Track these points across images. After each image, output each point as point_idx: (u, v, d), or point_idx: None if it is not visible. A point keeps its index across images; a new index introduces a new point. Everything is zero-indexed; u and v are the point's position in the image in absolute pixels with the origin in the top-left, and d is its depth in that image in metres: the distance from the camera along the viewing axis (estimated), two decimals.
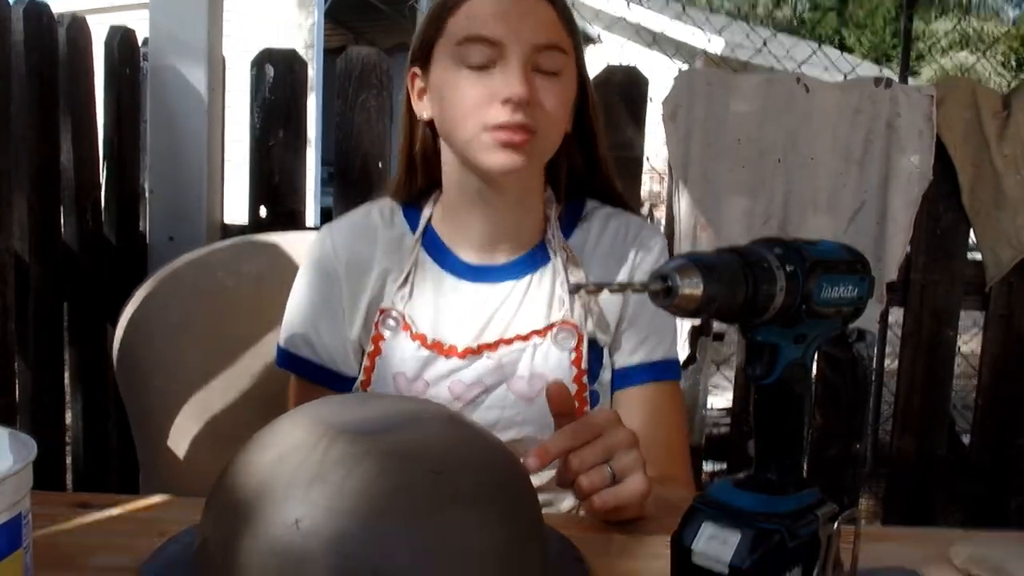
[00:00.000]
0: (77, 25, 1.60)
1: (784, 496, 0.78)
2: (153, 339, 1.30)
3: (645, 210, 1.90)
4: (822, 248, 0.77)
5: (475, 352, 1.08)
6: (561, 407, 0.88)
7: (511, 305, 1.10)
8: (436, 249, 1.13)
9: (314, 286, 1.14)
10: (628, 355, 1.12)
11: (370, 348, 1.11)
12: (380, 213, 1.16)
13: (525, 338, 1.09)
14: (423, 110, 1.08)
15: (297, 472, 0.73)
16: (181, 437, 1.29)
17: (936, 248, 1.89)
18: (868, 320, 1.88)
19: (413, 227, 1.14)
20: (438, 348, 1.09)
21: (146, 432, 1.34)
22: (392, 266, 1.12)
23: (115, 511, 0.99)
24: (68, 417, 1.65)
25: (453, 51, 1.01)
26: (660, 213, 1.97)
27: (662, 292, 0.67)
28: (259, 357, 1.29)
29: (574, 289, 0.79)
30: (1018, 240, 1.84)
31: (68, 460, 1.68)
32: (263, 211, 1.91)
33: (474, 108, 1.00)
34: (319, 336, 1.12)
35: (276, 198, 1.89)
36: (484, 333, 1.09)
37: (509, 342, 1.09)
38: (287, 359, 1.13)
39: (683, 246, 1.88)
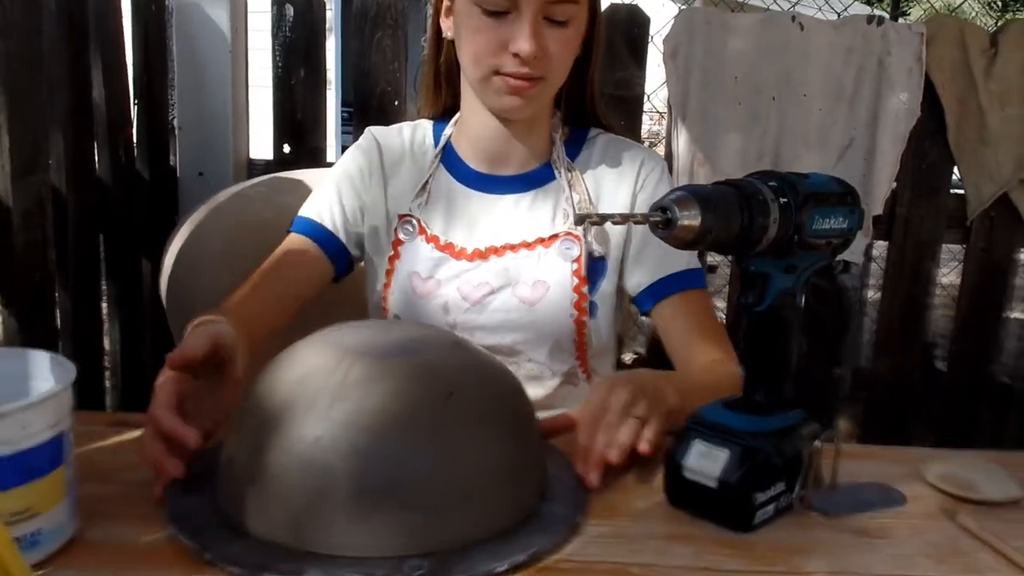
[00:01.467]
0: None
1: (770, 416, 0.80)
2: (199, 267, 1.32)
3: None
4: (814, 181, 0.77)
5: (483, 255, 1.11)
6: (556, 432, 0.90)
7: (518, 215, 1.12)
8: (452, 161, 1.16)
9: (346, 175, 1.17)
10: (653, 270, 1.11)
11: (390, 252, 1.14)
12: (413, 129, 1.20)
13: (530, 246, 1.10)
14: (447, 29, 1.08)
15: (319, 393, 0.74)
16: None
17: (921, 183, 1.87)
18: (854, 253, 1.88)
19: (437, 142, 1.18)
20: (449, 250, 1.11)
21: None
22: (414, 168, 1.16)
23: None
24: (106, 343, 1.66)
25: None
26: (660, 149, 1.95)
27: (662, 223, 0.69)
28: None
29: (579, 220, 0.79)
30: (999, 175, 1.83)
31: (107, 382, 1.69)
32: (286, 148, 1.90)
33: (487, 53, 1.01)
34: (335, 209, 1.15)
35: (299, 135, 1.88)
36: (491, 238, 1.11)
37: (515, 248, 1.10)
38: (299, 222, 1.15)
39: (681, 181, 1.86)
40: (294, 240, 1.13)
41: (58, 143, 1.43)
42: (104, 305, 1.64)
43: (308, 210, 1.16)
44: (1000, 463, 0.92)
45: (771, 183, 0.74)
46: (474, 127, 1.13)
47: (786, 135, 1.85)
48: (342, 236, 1.15)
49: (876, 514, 0.84)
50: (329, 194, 1.16)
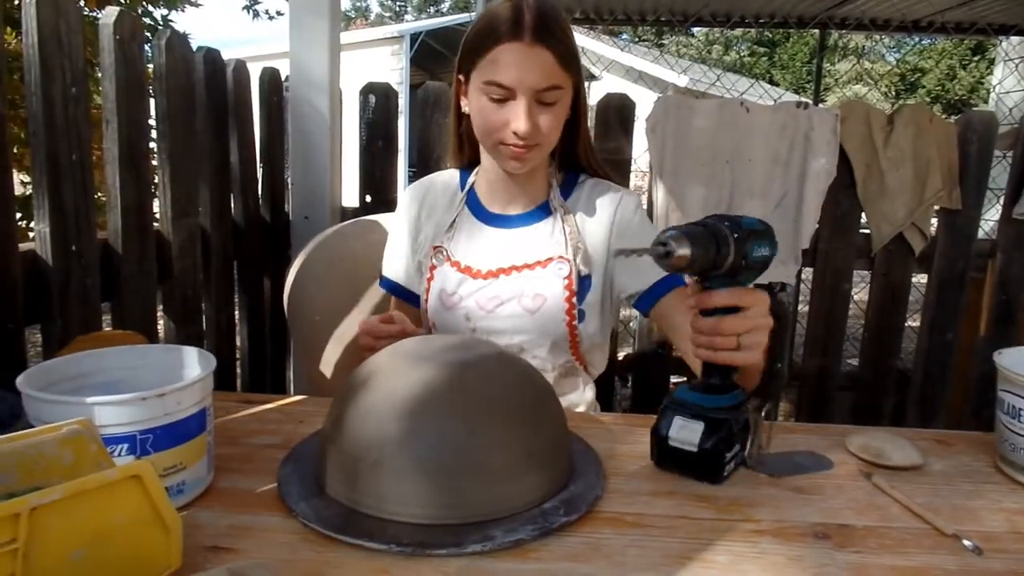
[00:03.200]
0: (239, 67, 1.57)
1: (725, 395, 0.80)
2: (309, 288, 1.31)
3: None
4: (749, 221, 0.77)
5: (494, 275, 1.09)
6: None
7: (521, 244, 1.10)
8: (474, 203, 1.14)
9: (400, 229, 1.18)
10: (642, 278, 1.05)
11: (428, 275, 1.13)
12: (448, 177, 1.19)
13: (531, 267, 1.08)
14: (465, 105, 1.06)
15: (385, 387, 0.71)
16: (326, 357, 1.30)
17: (837, 225, 1.83)
18: (788, 277, 1.84)
19: (463, 188, 1.16)
20: (468, 271, 1.10)
21: (304, 352, 1.36)
22: (446, 214, 1.15)
23: (269, 406, 0.99)
24: (238, 340, 1.66)
25: (480, 85, 0.99)
26: (643, 199, 1.92)
27: (663, 254, 0.69)
28: (376, 297, 1.31)
29: (616, 254, 0.74)
30: (895, 219, 1.78)
31: (237, 370, 1.69)
32: (368, 198, 1.89)
33: (493, 130, 1.00)
34: (403, 264, 1.17)
35: (377, 189, 1.87)
36: (501, 261, 1.09)
37: (519, 269, 1.08)
38: (385, 282, 1.19)
39: (659, 224, 1.84)
40: (388, 300, 1.20)
41: (205, 195, 1.43)
42: (236, 312, 1.63)
43: (388, 270, 1.19)
44: (904, 437, 0.88)
45: (726, 223, 0.73)
46: (489, 176, 1.12)
47: (737, 189, 1.82)
48: (412, 287, 1.18)
49: (810, 476, 0.81)
50: (398, 252, 1.18)
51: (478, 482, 0.68)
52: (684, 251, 0.69)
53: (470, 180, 1.15)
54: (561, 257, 1.07)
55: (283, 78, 1.82)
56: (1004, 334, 1.86)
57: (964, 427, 1.90)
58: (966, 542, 0.67)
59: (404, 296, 1.17)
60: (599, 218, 1.10)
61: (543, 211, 1.11)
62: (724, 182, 1.81)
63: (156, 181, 1.29)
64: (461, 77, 1.05)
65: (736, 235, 0.73)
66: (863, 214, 1.81)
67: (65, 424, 0.61)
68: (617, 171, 1.82)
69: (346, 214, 1.91)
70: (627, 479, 0.79)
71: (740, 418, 0.78)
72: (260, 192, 1.73)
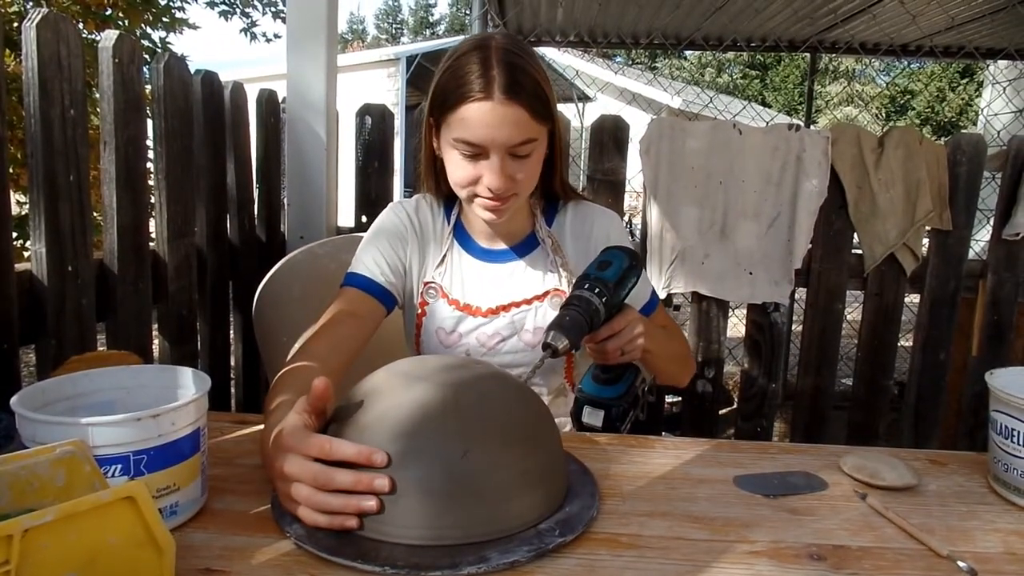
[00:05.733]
0: (236, 88, 1.58)
1: (617, 384, 0.98)
2: (279, 307, 1.30)
3: (626, 219, 1.85)
4: (615, 268, 0.93)
5: (494, 312, 1.08)
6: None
7: (516, 279, 1.09)
8: (462, 238, 1.12)
9: (384, 237, 1.09)
10: (635, 305, 1.07)
11: (418, 311, 1.10)
12: (431, 204, 1.14)
13: (529, 302, 1.08)
14: (437, 149, 1.02)
15: (381, 406, 0.71)
16: None
17: (829, 245, 1.84)
18: (782, 297, 1.84)
19: (448, 219, 1.12)
20: (467, 310, 1.08)
21: (273, 372, 1.34)
22: (435, 247, 1.11)
23: (262, 426, 0.98)
24: (232, 360, 1.65)
25: (451, 141, 0.95)
26: (637, 219, 1.93)
27: (554, 354, 0.87)
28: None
29: (529, 377, 0.90)
30: (887, 239, 1.79)
31: (232, 391, 1.68)
32: (364, 218, 1.90)
33: (466, 183, 0.97)
34: (382, 264, 1.07)
35: (372, 210, 1.88)
36: (499, 299, 1.08)
37: (518, 305, 1.08)
38: (357, 279, 1.06)
39: (654, 243, 1.85)
40: (350, 293, 1.06)
41: (201, 215, 1.44)
42: (231, 332, 1.63)
43: (358, 266, 1.07)
44: (898, 457, 0.89)
45: (596, 290, 0.89)
46: (471, 218, 1.09)
47: (730, 210, 1.83)
48: (388, 286, 1.07)
49: (804, 496, 0.81)
50: (373, 252, 1.08)
51: (473, 503, 0.68)
52: (564, 343, 0.86)
53: (454, 213, 1.12)
54: (556, 290, 1.08)
55: (280, 99, 1.84)
56: (996, 353, 1.86)
57: (958, 447, 1.90)
58: (961, 564, 0.66)
59: (379, 295, 1.06)
60: (586, 242, 1.11)
61: (531, 242, 1.11)
62: (717, 203, 1.82)
63: (153, 201, 1.30)
64: (432, 120, 1.00)
65: (604, 299, 0.90)
66: (855, 235, 1.82)
67: (58, 445, 0.61)
68: (611, 192, 1.83)
69: (343, 234, 1.91)
70: (622, 500, 0.79)
71: (628, 398, 0.97)
72: (256, 212, 1.74)
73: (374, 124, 1.85)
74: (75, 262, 1.02)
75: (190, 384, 0.79)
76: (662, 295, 1.85)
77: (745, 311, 1.90)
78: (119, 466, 0.66)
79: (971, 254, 1.85)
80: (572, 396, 1.16)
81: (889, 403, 1.89)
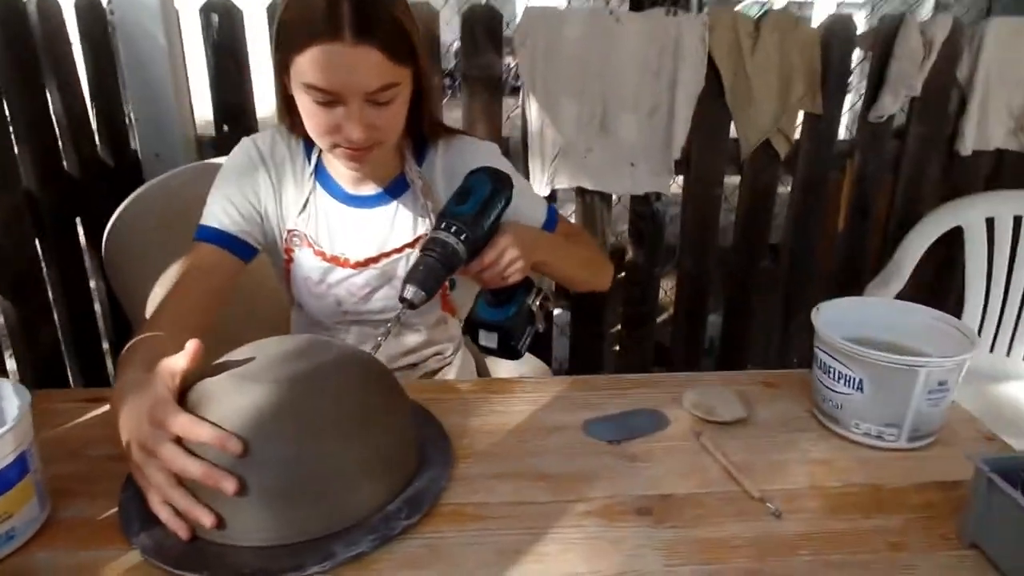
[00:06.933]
0: (45, 1, 1.38)
1: (508, 305, 0.95)
2: (131, 251, 1.22)
3: (505, 116, 1.80)
4: (476, 197, 0.88)
5: (363, 264, 1.04)
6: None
7: (385, 225, 1.05)
8: (326, 181, 1.05)
9: (234, 181, 1.02)
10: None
11: (284, 258, 1.06)
12: (288, 141, 1.05)
13: (399, 251, 1.05)
14: (289, 89, 0.91)
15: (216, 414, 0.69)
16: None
17: (707, 133, 1.85)
18: (663, 187, 1.87)
19: (309, 158, 1.05)
20: (335, 261, 1.04)
21: (132, 312, 1.27)
22: (297, 191, 1.04)
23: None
24: (97, 306, 1.55)
25: (301, 85, 0.86)
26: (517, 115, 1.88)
27: (412, 307, 0.84)
28: None
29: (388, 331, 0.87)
30: (762, 125, 1.82)
31: (102, 328, 1.57)
32: (225, 127, 1.76)
33: (323, 133, 0.90)
34: (232, 213, 1.00)
35: (234, 117, 1.75)
36: (368, 249, 1.04)
37: (388, 255, 1.05)
38: (207, 232, 1.00)
39: (534, 141, 1.81)
40: (203, 249, 0.99)
41: (25, 157, 1.30)
42: (88, 272, 1.53)
43: (208, 218, 1.01)
44: (731, 388, 0.94)
45: (453, 228, 0.84)
46: (334, 161, 1.01)
47: (610, 102, 1.79)
48: (242, 235, 1.01)
49: (646, 439, 0.87)
50: (222, 200, 1.01)
51: (313, 501, 0.69)
52: (421, 295, 0.83)
53: (315, 153, 1.04)
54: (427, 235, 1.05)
55: (105, 4, 1.62)
56: (861, 228, 1.98)
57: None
58: (769, 505, 0.74)
59: (232, 247, 1.00)
60: (459, 180, 1.05)
61: (400, 185, 1.05)
62: (596, 95, 1.78)
63: None
64: (279, 58, 0.90)
65: (463, 236, 0.85)
66: (732, 122, 1.83)
67: None
68: (488, 90, 1.75)
69: (202, 145, 1.78)
70: (475, 461, 0.83)
71: (519, 318, 0.95)
72: (98, 136, 1.58)
73: (221, 22, 1.66)
74: None
75: (12, 397, 0.75)
76: (545, 191, 1.85)
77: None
78: None
79: (840, 134, 1.90)
80: (453, 322, 1.18)
81: (762, 276, 2.00)
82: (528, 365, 1.34)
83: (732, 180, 1.92)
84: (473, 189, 0.89)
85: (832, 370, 0.84)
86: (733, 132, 1.84)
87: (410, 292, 0.83)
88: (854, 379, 0.81)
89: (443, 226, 0.85)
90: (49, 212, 1.35)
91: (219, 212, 1.01)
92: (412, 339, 1.14)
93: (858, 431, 0.84)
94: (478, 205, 0.87)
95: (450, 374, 1.22)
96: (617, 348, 2.09)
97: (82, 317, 1.47)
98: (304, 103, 0.89)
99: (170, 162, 1.69)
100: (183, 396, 0.73)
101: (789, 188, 1.94)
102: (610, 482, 0.79)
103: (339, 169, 1.04)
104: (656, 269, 1.99)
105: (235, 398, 0.70)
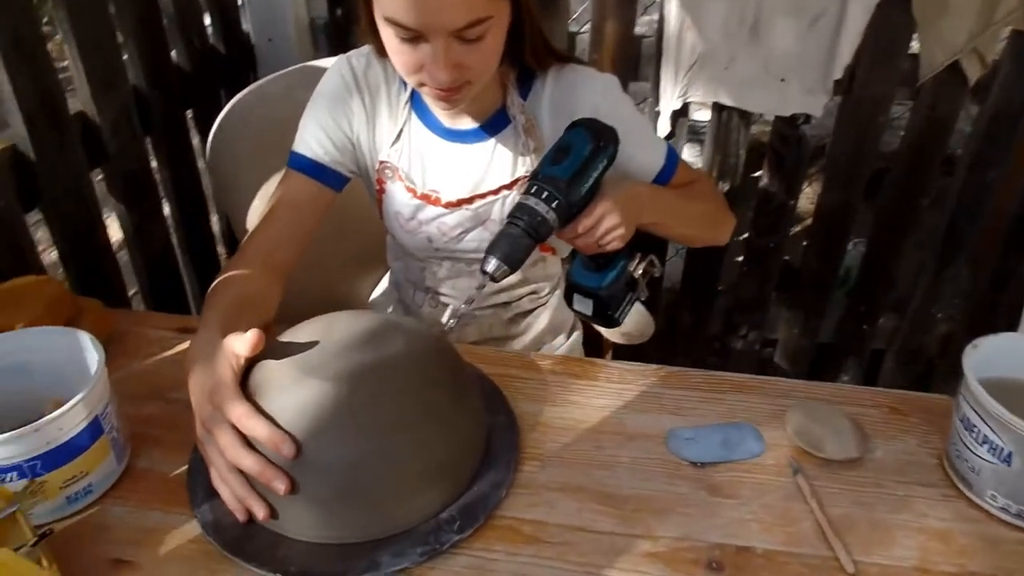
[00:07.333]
0: None
1: (607, 270, 0.88)
2: (232, 156, 1.20)
3: (639, 10, 1.59)
4: (573, 158, 0.78)
5: (455, 205, 0.98)
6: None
7: (481, 164, 0.96)
8: (422, 111, 0.97)
9: (326, 107, 0.96)
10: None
11: (376, 188, 1.01)
12: (384, 63, 0.96)
13: (495, 192, 0.97)
14: (376, 16, 0.81)
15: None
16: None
17: (880, 48, 1.55)
18: (815, 107, 1.62)
19: (404, 84, 0.96)
20: (426, 199, 0.98)
21: (235, 222, 1.27)
22: (390, 119, 0.97)
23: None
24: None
25: (383, 18, 0.78)
26: (654, 13, 1.65)
27: (494, 279, 0.77)
28: None
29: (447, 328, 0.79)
30: (953, 43, 1.50)
31: (215, 226, 1.59)
32: (338, 11, 1.67)
33: (409, 72, 0.81)
34: (324, 141, 0.95)
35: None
36: (460, 188, 0.97)
37: (483, 196, 0.97)
38: (297, 160, 0.96)
39: (671, 44, 1.59)
40: (295, 180, 0.96)
41: (133, 54, 1.27)
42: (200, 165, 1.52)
43: (300, 145, 0.96)
44: (848, 418, 0.82)
45: (544, 195, 0.76)
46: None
47: (764, 4, 1.52)
48: (333, 165, 0.96)
49: (735, 465, 0.78)
50: (315, 127, 0.95)
51: (365, 507, 0.68)
52: (504, 268, 0.76)
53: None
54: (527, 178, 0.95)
55: None
56: None
57: (985, 269, 1.79)
58: None
59: (323, 177, 0.96)
60: (568, 118, 0.89)
61: (500, 121, 0.95)
62: None
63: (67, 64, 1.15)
64: None
65: (555, 203, 0.77)
66: (915, 36, 1.52)
67: None
68: None
69: (316, 29, 1.70)
70: (542, 465, 0.78)
71: (617, 286, 0.88)
72: (210, 22, 1.53)
73: None
74: None
75: (91, 348, 0.76)
76: (677, 104, 1.65)
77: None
78: (14, 473, 0.67)
79: None
80: (552, 260, 1.11)
81: (922, 213, 1.74)
82: (631, 319, 1.24)
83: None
84: (571, 146, 0.80)
85: (976, 431, 0.70)
86: (913, 47, 1.54)
87: (492, 265, 0.77)
88: (1002, 449, 0.67)
89: (533, 190, 0.78)
90: (159, 108, 1.34)
91: (311, 140, 0.96)
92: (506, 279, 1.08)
93: (994, 504, 0.70)
94: (575, 166, 0.78)
95: (543, 317, 1.17)
96: (744, 269, 1.91)
97: (195, 218, 1.50)
98: (387, 37, 0.81)
99: (283, 48, 1.64)
100: (247, 373, 0.72)
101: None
102: (684, 518, 0.72)
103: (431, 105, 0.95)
104: (792, 201, 1.77)
105: (294, 393, 0.68)
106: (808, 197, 1.96)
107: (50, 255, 1.30)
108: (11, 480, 0.67)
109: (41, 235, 1.25)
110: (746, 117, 1.67)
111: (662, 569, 0.67)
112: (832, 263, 1.84)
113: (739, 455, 0.79)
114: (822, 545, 0.69)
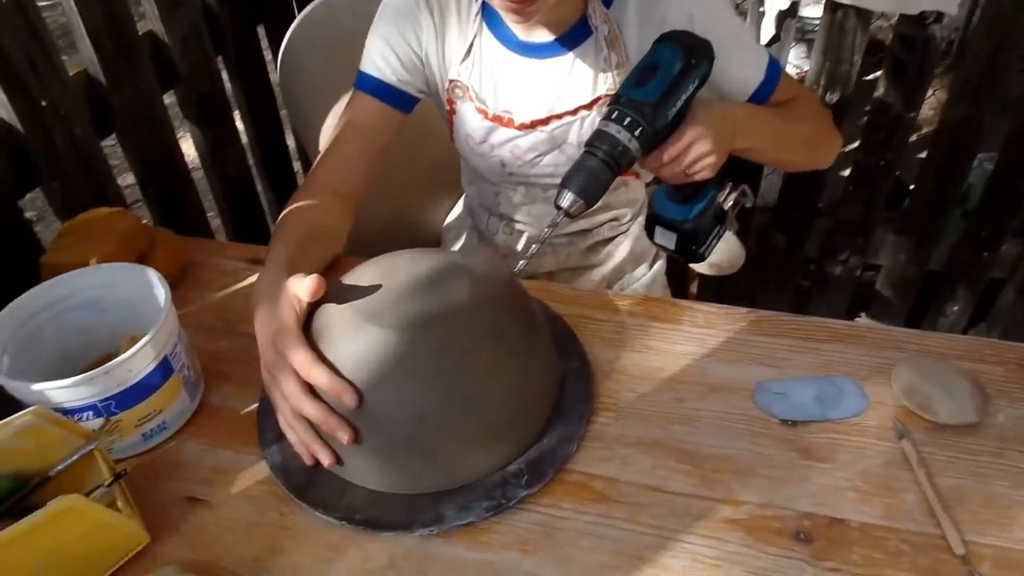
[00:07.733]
0: None
1: (692, 201, 0.80)
2: (302, 74, 1.16)
3: None
4: (658, 82, 0.70)
5: (529, 126, 0.92)
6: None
7: (558, 81, 0.89)
8: (494, 23, 0.90)
9: (393, 23, 0.90)
10: (742, 94, 0.88)
11: (447, 108, 0.96)
12: None
13: (573, 113, 0.90)
14: None
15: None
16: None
17: None
18: (950, 4, 1.41)
19: None
20: (498, 120, 0.92)
21: (306, 142, 1.24)
22: (460, 34, 0.90)
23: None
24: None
25: None
26: None
27: (568, 214, 0.71)
28: None
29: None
30: None
31: (291, 142, 1.56)
32: None
33: None
34: (392, 60, 0.90)
35: None
36: (535, 109, 0.90)
37: (560, 117, 0.91)
38: (360, 78, 0.92)
39: None
40: (362, 102, 0.91)
41: None
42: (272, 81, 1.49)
43: (367, 64, 0.91)
44: (965, 376, 0.72)
45: (627, 121, 0.69)
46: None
47: None
48: (401, 85, 0.91)
49: (831, 424, 0.71)
50: (381, 44, 0.90)
51: (429, 459, 0.66)
52: (580, 202, 0.70)
53: None
54: (609, 95, 0.87)
55: None
56: None
57: None
58: (972, 573, 0.58)
59: (392, 99, 0.91)
60: (657, 28, 0.79)
61: (582, 31, 0.86)
62: None
63: None
64: None
65: (638, 130, 0.70)
66: None
67: (16, 418, 0.63)
68: None
69: None
70: (616, 416, 0.73)
71: (704, 219, 0.81)
72: None
73: None
74: (46, 95, 0.93)
75: (159, 285, 0.76)
76: (785, 3, 1.48)
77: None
78: (90, 412, 0.68)
79: None
80: (635, 185, 1.05)
81: None
82: (719, 250, 1.15)
83: None
84: (659, 64, 0.71)
85: None
86: None
87: (567, 200, 0.71)
88: None
89: (614, 116, 0.70)
90: (229, 25, 1.30)
91: (378, 58, 0.91)
92: None
93: None
94: (662, 88, 0.70)
95: (624, 245, 1.10)
96: (849, 188, 1.74)
97: (271, 138, 1.48)
98: None
99: None
100: (311, 315, 0.70)
101: None
102: (770, 483, 0.66)
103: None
104: (911, 114, 1.58)
105: (355, 340, 0.65)
106: (930, 104, 1.74)
107: (127, 180, 1.31)
108: (88, 419, 0.68)
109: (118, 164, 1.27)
110: (864, 16, 1.48)
111: (742, 538, 0.62)
112: (953, 183, 1.65)
113: (836, 414, 0.72)
114: (928, 521, 0.62)
